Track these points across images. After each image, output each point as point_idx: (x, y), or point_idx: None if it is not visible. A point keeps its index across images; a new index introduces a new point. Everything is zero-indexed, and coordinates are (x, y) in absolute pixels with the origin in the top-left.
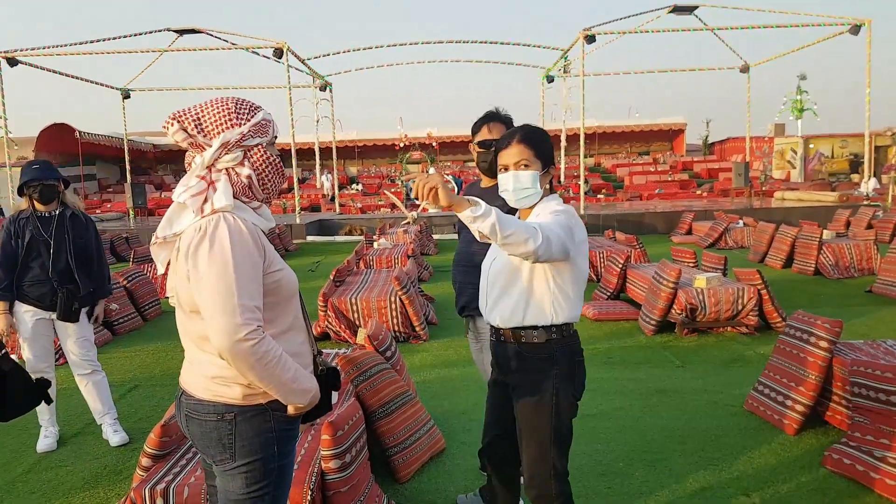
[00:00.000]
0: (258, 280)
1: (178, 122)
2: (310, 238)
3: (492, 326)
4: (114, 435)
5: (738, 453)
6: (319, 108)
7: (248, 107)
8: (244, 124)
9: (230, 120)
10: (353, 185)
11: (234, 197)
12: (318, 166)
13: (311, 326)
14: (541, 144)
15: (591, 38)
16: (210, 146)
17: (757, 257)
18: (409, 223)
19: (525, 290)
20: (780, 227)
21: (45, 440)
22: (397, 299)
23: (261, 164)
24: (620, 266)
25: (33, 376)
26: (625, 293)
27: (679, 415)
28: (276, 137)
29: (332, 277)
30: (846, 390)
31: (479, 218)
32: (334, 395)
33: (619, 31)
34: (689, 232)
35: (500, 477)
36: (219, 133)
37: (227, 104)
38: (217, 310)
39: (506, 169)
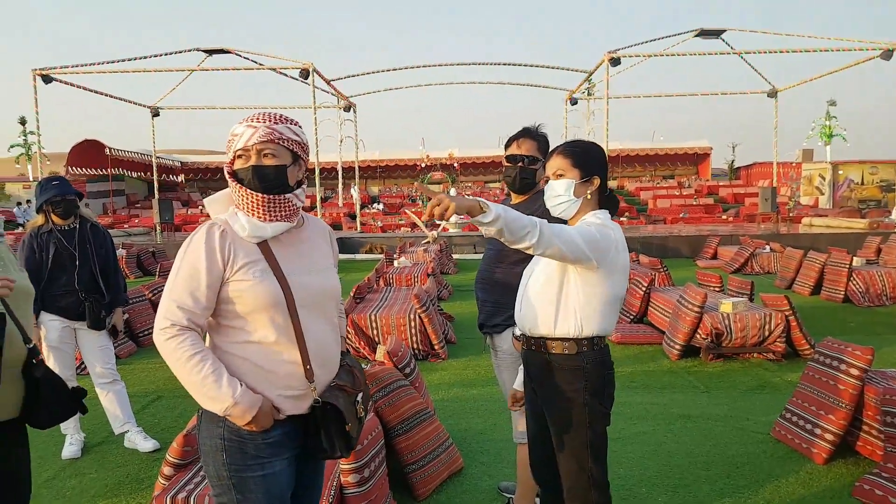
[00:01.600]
0: (197, 286)
1: None
2: None
3: (524, 335)
4: (144, 442)
5: (764, 481)
6: (343, 128)
7: (239, 122)
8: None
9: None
10: (375, 205)
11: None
12: (340, 185)
13: (310, 351)
14: (581, 155)
15: (616, 61)
16: None
17: (784, 283)
18: (429, 242)
19: (557, 300)
20: (809, 254)
21: (71, 447)
22: (417, 317)
23: (229, 180)
24: (644, 289)
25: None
26: (647, 317)
27: (703, 441)
28: (245, 150)
29: (352, 294)
30: (878, 420)
31: (486, 225)
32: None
33: (645, 54)
34: (715, 256)
35: (549, 493)
36: None
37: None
38: (160, 303)
39: (547, 181)
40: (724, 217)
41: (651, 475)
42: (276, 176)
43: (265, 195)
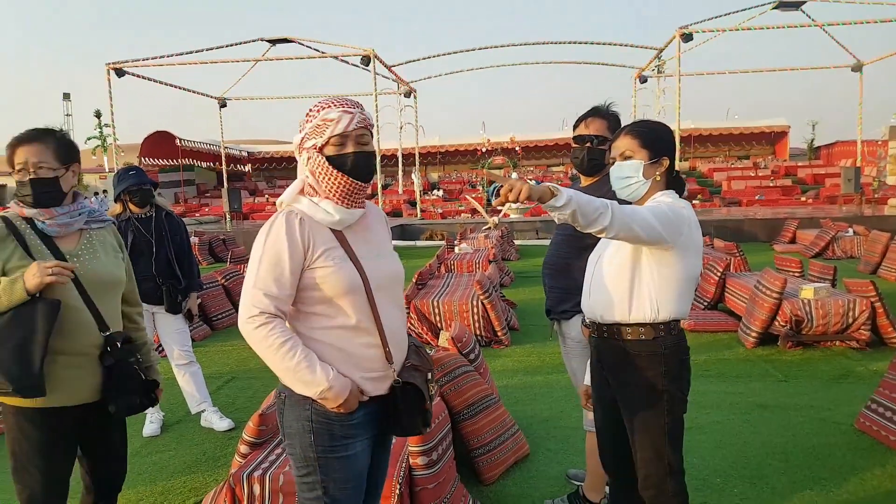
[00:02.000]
0: (282, 274)
1: (300, 125)
2: (392, 242)
3: (594, 323)
4: (220, 421)
5: (847, 474)
6: (403, 114)
7: (317, 108)
8: (306, 127)
9: (301, 124)
10: (435, 191)
11: (314, 198)
12: (400, 172)
13: (397, 331)
14: (649, 135)
15: (688, 37)
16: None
17: (868, 268)
18: (490, 228)
19: (630, 284)
20: None
21: (151, 425)
22: (479, 303)
23: (314, 167)
24: (719, 274)
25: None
26: (723, 303)
27: (782, 431)
28: (343, 136)
29: (414, 281)
30: None
31: (558, 210)
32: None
33: (719, 28)
34: (793, 240)
35: (621, 482)
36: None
37: (309, 110)
38: (243, 292)
39: (614, 161)
40: (803, 199)
41: (726, 466)
42: (372, 163)
43: (360, 182)
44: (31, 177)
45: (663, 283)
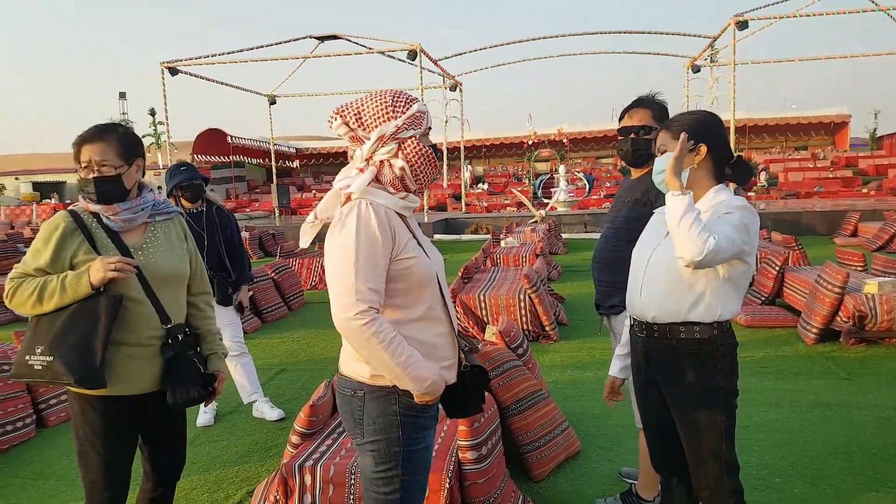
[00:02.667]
0: (378, 265)
1: (342, 116)
2: (437, 236)
3: (642, 322)
4: (271, 411)
5: None
6: (448, 108)
7: (404, 99)
8: (399, 117)
9: (387, 113)
10: (480, 185)
11: (384, 187)
12: (445, 167)
13: (454, 320)
14: (681, 125)
15: (743, 25)
16: (368, 139)
17: None
18: (536, 222)
19: (691, 283)
20: None
21: (204, 416)
22: (526, 297)
23: (413, 156)
24: (777, 269)
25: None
26: (781, 298)
27: (845, 430)
28: (430, 129)
29: (460, 274)
30: None
31: (674, 198)
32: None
33: (776, 15)
34: (855, 233)
35: (675, 481)
36: (376, 126)
37: (384, 97)
38: (335, 288)
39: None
40: (864, 190)
41: (786, 465)
42: None
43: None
44: (95, 175)
45: (727, 284)
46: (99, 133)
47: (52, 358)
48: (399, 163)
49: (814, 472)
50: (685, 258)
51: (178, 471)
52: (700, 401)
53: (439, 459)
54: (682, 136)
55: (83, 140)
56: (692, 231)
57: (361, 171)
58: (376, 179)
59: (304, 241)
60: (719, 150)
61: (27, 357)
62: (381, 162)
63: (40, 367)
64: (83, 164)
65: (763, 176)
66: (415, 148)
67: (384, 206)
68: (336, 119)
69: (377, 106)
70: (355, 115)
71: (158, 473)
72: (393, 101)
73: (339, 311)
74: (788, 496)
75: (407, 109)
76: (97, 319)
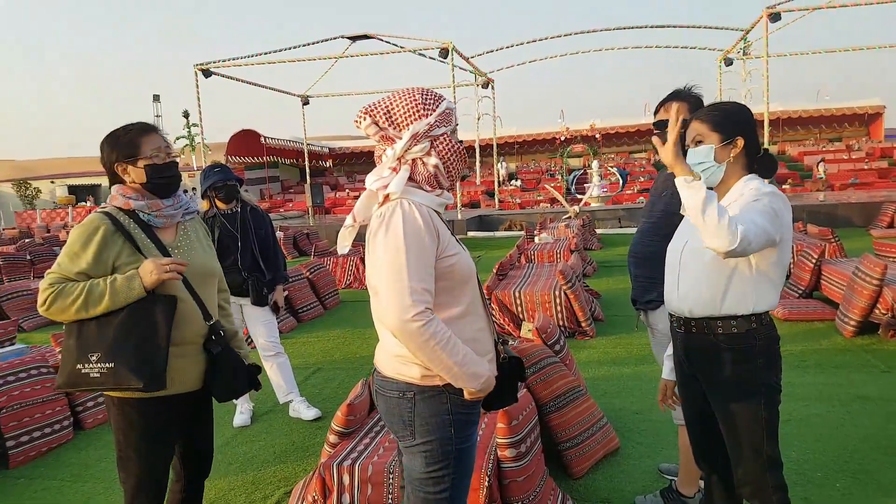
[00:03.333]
0: (429, 264)
1: (370, 115)
2: (470, 234)
3: (680, 318)
4: (307, 410)
5: None
6: (481, 105)
7: (433, 97)
8: (431, 115)
9: (418, 111)
10: (513, 181)
11: (419, 186)
12: (478, 164)
13: (491, 314)
14: (719, 116)
15: (775, 17)
16: (400, 138)
17: None
18: (570, 217)
19: (725, 276)
20: None
21: (241, 416)
22: (562, 294)
23: (446, 153)
24: (814, 261)
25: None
26: (819, 291)
27: (885, 424)
28: (457, 125)
29: (495, 271)
30: None
31: (688, 186)
32: (519, 385)
33: (809, 7)
34: (892, 225)
35: (716, 477)
36: (408, 125)
37: (414, 96)
38: (389, 291)
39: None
40: None
41: (827, 460)
42: None
43: None
44: (169, 161)
45: (761, 274)
46: (152, 125)
47: (112, 364)
48: (433, 160)
49: (855, 467)
50: (717, 250)
51: (208, 468)
52: (740, 396)
53: (478, 458)
54: (675, 107)
55: (146, 129)
56: (720, 222)
57: (395, 170)
58: (410, 178)
59: (344, 246)
60: (752, 143)
61: (79, 366)
62: (414, 160)
63: (98, 375)
64: (151, 153)
65: (822, 168)
66: (447, 145)
67: (425, 204)
68: (365, 118)
69: (407, 104)
70: (385, 113)
71: (190, 472)
72: (423, 98)
73: (396, 314)
74: (830, 490)
75: (437, 107)
76: (155, 322)
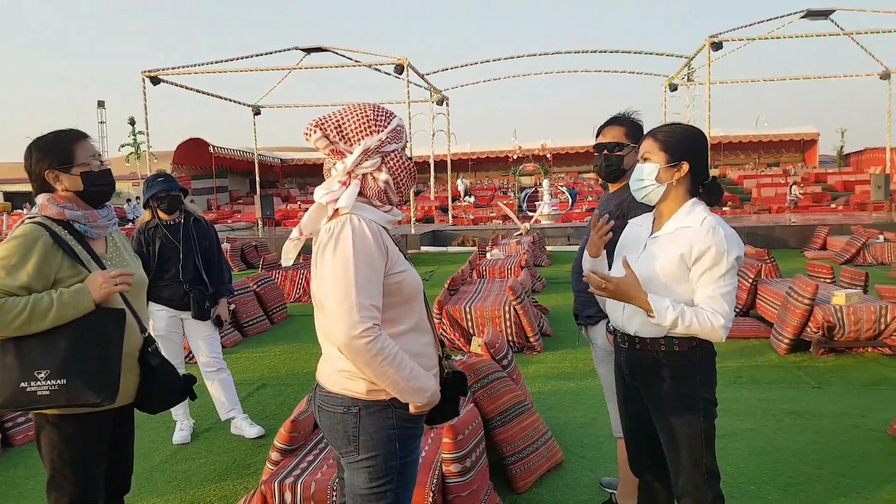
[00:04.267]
0: (377, 280)
1: (321, 128)
2: (423, 248)
3: (625, 334)
4: (250, 428)
5: (882, 482)
6: (435, 122)
7: (385, 113)
8: (382, 131)
9: (370, 127)
10: (466, 197)
11: (369, 201)
12: (432, 179)
13: (436, 330)
14: (670, 138)
15: (717, 45)
16: (351, 152)
17: None
18: (521, 234)
19: (673, 300)
20: None
21: (181, 433)
22: (511, 309)
23: (397, 169)
24: (751, 281)
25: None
26: (754, 310)
27: (816, 438)
28: (407, 142)
29: (446, 286)
30: None
31: (657, 322)
32: (462, 401)
33: (748, 37)
34: (824, 247)
35: (654, 487)
36: (360, 140)
37: (365, 111)
38: (337, 307)
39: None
40: (833, 206)
41: (760, 473)
42: None
43: None
44: (104, 168)
45: (706, 299)
46: (84, 132)
47: (65, 381)
48: (384, 176)
49: (787, 480)
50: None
51: (129, 483)
52: (681, 410)
53: (423, 474)
54: (602, 220)
55: (81, 136)
56: (702, 327)
57: (344, 184)
58: (360, 193)
59: (289, 258)
60: (700, 169)
61: (23, 384)
62: (364, 175)
63: (48, 392)
64: (86, 160)
65: (795, 190)
66: (398, 161)
67: (374, 220)
68: (315, 131)
69: (359, 119)
70: (336, 127)
71: (111, 488)
72: (375, 114)
73: (344, 331)
74: (763, 502)
75: (388, 123)
76: (107, 335)
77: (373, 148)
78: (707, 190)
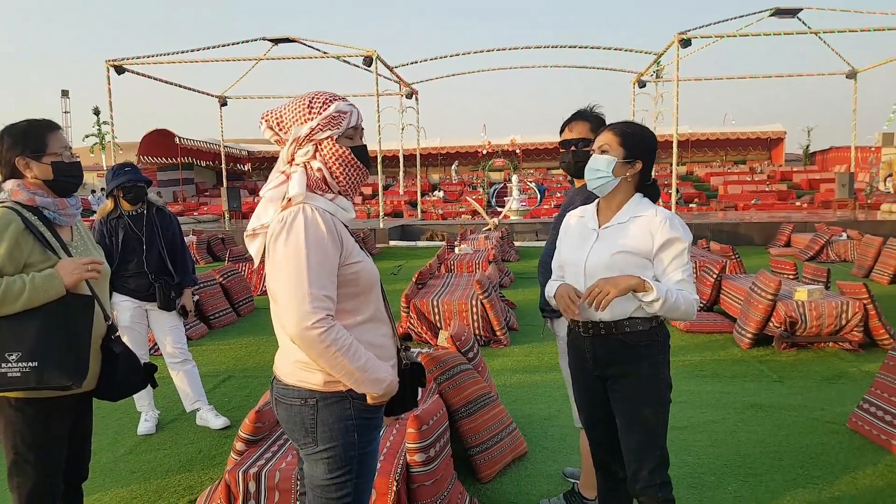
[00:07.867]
0: (331, 270)
1: (266, 121)
2: (392, 243)
3: (587, 323)
4: (215, 419)
5: (839, 473)
6: (405, 115)
7: (321, 101)
8: (315, 118)
9: (303, 115)
10: (435, 192)
11: (310, 189)
12: (401, 173)
13: (394, 321)
14: (630, 135)
15: (686, 42)
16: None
17: (861, 272)
18: (490, 229)
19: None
20: (889, 241)
21: (145, 424)
22: (478, 303)
23: (329, 158)
24: (715, 277)
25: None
26: (718, 305)
27: (775, 430)
28: (356, 128)
29: (414, 280)
30: None
31: (647, 303)
32: (420, 391)
33: (717, 34)
34: (788, 244)
35: (612, 480)
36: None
37: (303, 100)
38: (288, 298)
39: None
40: (798, 203)
41: (721, 464)
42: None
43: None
44: (74, 160)
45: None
46: (57, 123)
47: (36, 363)
48: (316, 164)
49: (746, 471)
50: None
51: (87, 471)
52: (645, 391)
53: (387, 462)
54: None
55: (51, 127)
56: (685, 303)
57: (283, 173)
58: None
59: (255, 257)
60: (648, 169)
61: None
62: (304, 164)
63: (19, 374)
64: (58, 151)
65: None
66: (330, 149)
67: (328, 211)
68: (262, 124)
69: (295, 109)
70: (277, 119)
71: (70, 475)
72: (310, 103)
73: (296, 322)
74: (722, 493)
75: (324, 110)
76: (76, 320)
77: (303, 136)
78: (647, 190)
